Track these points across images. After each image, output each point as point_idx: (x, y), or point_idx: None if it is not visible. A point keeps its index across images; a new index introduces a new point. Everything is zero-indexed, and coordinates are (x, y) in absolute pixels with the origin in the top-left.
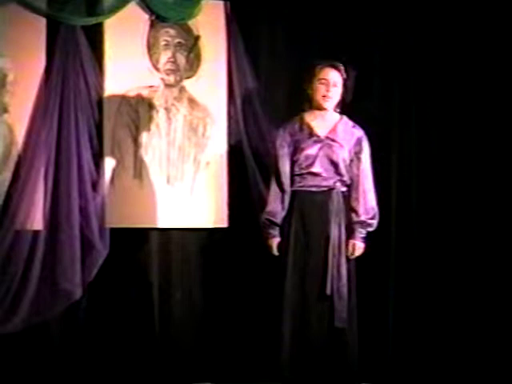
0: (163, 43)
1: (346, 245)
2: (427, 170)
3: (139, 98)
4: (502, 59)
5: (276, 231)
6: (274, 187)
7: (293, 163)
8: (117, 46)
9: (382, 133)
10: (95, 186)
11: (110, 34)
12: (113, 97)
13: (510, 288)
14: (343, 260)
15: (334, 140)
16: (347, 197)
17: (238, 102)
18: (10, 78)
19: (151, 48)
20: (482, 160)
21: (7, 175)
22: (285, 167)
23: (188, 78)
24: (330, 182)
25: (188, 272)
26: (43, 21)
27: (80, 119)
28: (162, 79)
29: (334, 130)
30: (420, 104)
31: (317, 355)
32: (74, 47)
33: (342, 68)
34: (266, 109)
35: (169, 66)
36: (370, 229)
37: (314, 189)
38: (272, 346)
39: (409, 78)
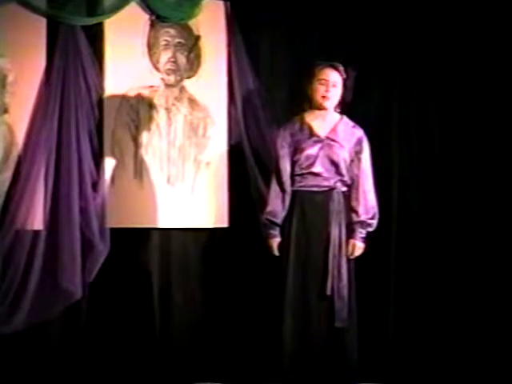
0: (163, 43)
1: (346, 245)
2: (427, 169)
3: (139, 98)
4: (503, 59)
5: (276, 231)
6: (274, 187)
7: (293, 163)
8: (117, 46)
9: (382, 133)
10: (95, 186)
11: (111, 33)
12: (113, 97)
13: (511, 287)
14: (344, 260)
15: (335, 140)
16: (347, 197)
17: (239, 102)
18: (10, 78)
19: (151, 48)
20: (482, 159)
21: (7, 175)
22: (285, 167)
23: (188, 77)
24: (331, 182)
25: (188, 272)
26: (43, 21)
27: (80, 119)
28: (163, 79)
29: (334, 130)
30: (420, 104)
31: (317, 355)
32: (75, 47)
33: (341, 68)
34: (266, 109)
35: (169, 66)
36: (370, 229)
37: (314, 189)
38: (272, 346)
39: (409, 78)
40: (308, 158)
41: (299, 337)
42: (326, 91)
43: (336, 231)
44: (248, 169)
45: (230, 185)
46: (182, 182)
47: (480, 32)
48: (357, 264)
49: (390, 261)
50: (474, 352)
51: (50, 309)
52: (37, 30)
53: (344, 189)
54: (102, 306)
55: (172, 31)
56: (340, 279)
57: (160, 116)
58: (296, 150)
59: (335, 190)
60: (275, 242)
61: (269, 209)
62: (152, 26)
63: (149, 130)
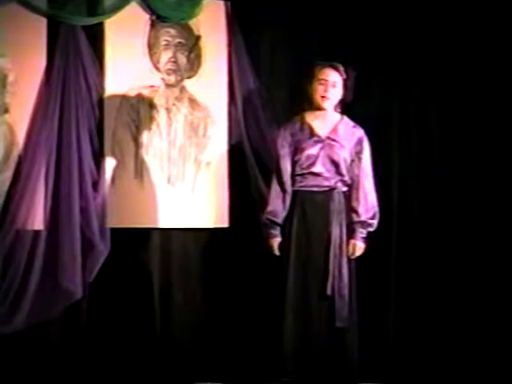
0: (164, 43)
1: (347, 245)
2: (427, 169)
3: (140, 98)
4: (503, 59)
5: (277, 231)
6: (275, 187)
7: (294, 163)
8: (117, 46)
9: (382, 133)
10: (96, 185)
11: (111, 33)
12: (113, 97)
13: (511, 287)
14: (344, 260)
15: (335, 140)
16: (348, 197)
17: (239, 101)
18: (11, 78)
19: (152, 48)
20: (482, 159)
21: (8, 175)
22: (286, 167)
23: (189, 77)
24: (331, 182)
25: (189, 272)
26: (44, 21)
27: (80, 119)
28: (163, 79)
29: (334, 130)
30: (420, 104)
31: (318, 355)
32: (75, 47)
33: (341, 68)
34: (266, 109)
35: (169, 66)
36: (371, 229)
37: (315, 189)
38: (273, 346)
39: (409, 78)
40: (308, 157)
41: (300, 336)
42: (325, 91)
43: (337, 231)
44: (248, 169)
45: (230, 185)
46: (182, 182)
47: (480, 32)
48: (357, 264)
49: (390, 260)
50: (474, 352)
51: (50, 309)
52: (37, 29)
53: (344, 189)
54: (103, 305)
55: (172, 31)
56: (341, 279)
57: (160, 116)
58: (296, 149)
59: (336, 190)
60: (276, 241)
61: (269, 208)
62: (152, 25)
63: (149, 129)
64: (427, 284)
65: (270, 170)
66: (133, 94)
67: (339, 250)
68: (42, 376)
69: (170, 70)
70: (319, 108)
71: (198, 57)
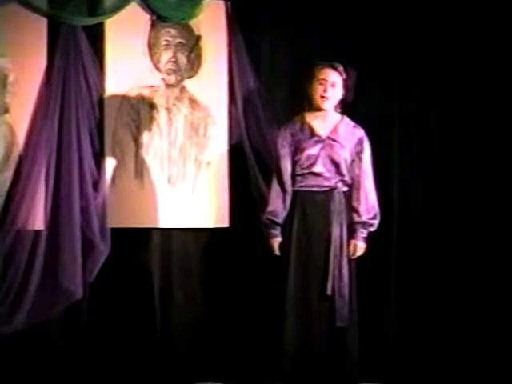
0: (164, 43)
1: (348, 245)
2: (428, 169)
3: (140, 98)
4: (503, 59)
5: (277, 231)
6: (275, 187)
7: (294, 163)
8: (118, 46)
9: (382, 132)
10: (96, 185)
11: (111, 33)
12: (114, 97)
13: (511, 287)
14: (345, 260)
15: (336, 140)
16: (348, 197)
17: (239, 101)
18: (11, 78)
19: (152, 48)
20: (482, 159)
21: (8, 175)
22: (286, 167)
23: (189, 77)
24: (332, 182)
25: (189, 272)
26: (44, 21)
27: (81, 119)
28: (163, 79)
29: (335, 130)
30: (420, 104)
31: (318, 355)
32: (75, 47)
33: (341, 68)
34: (266, 108)
35: (170, 66)
36: (372, 229)
37: (315, 189)
38: (273, 346)
39: (409, 78)
40: (309, 157)
41: (300, 336)
42: (325, 91)
43: (337, 231)
44: (249, 168)
45: (230, 185)
46: (182, 182)
47: (480, 32)
48: (357, 263)
49: (390, 260)
50: (474, 352)
51: (50, 309)
52: (37, 29)
53: (345, 189)
54: (103, 305)
55: (173, 31)
56: (341, 279)
57: (161, 116)
58: (297, 149)
59: (336, 190)
60: (276, 241)
61: (270, 208)
62: (153, 25)
63: (149, 129)
64: (427, 284)
65: (271, 169)
66: (133, 93)
67: (339, 250)
68: (42, 376)
69: (170, 70)
70: (319, 108)
71: (199, 57)
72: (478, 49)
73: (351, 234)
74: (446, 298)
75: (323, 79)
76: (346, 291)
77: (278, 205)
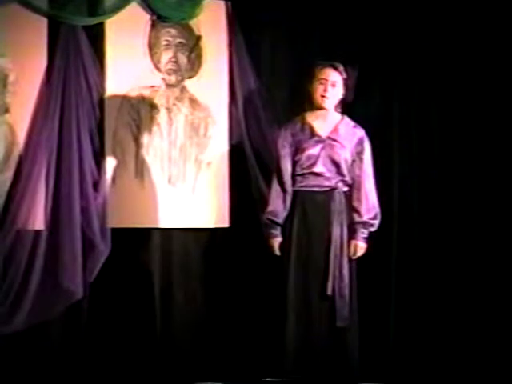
0: (164, 43)
1: (348, 245)
2: (428, 169)
3: (140, 98)
4: (503, 59)
5: (278, 231)
6: (275, 187)
7: (294, 163)
8: (118, 46)
9: (382, 132)
10: (96, 185)
11: (111, 33)
12: (114, 97)
13: (511, 287)
14: (345, 260)
15: (336, 140)
16: (349, 197)
17: (240, 101)
18: (12, 77)
19: (152, 48)
20: (482, 159)
21: (8, 175)
22: (286, 167)
23: (189, 77)
24: (332, 182)
25: (189, 272)
26: (44, 21)
27: (81, 119)
28: (164, 79)
29: (335, 130)
30: (421, 104)
31: (318, 354)
32: (75, 47)
33: (341, 68)
34: (267, 109)
35: (170, 66)
36: (372, 229)
37: (315, 189)
38: (274, 346)
39: (409, 78)
40: (309, 158)
41: (300, 336)
42: (325, 91)
43: (337, 231)
44: (249, 169)
45: (231, 185)
46: (183, 182)
47: (480, 32)
48: (358, 263)
49: (390, 260)
50: (474, 352)
51: (50, 309)
52: (38, 29)
53: (345, 189)
54: (103, 305)
55: (173, 31)
56: (341, 279)
57: (161, 116)
58: (297, 149)
59: (336, 190)
60: (276, 241)
61: (270, 208)
62: (153, 25)
63: (150, 129)
64: (428, 284)
65: (271, 170)
66: (133, 94)
67: (340, 250)
68: (42, 376)
69: (170, 70)
70: (319, 108)
71: (199, 57)
72: (478, 49)
73: (352, 234)
74: (446, 297)
75: (324, 79)
76: (346, 291)
77: (278, 205)
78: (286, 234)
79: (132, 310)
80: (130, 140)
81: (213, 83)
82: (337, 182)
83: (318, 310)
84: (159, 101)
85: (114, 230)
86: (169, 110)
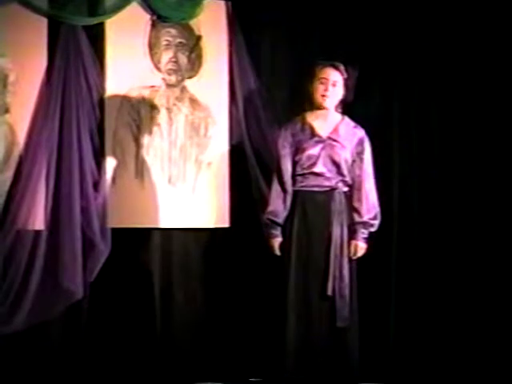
0: (164, 43)
1: (348, 245)
2: (428, 169)
3: (140, 98)
4: (503, 59)
5: (278, 231)
6: (275, 187)
7: (294, 163)
8: (118, 46)
9: (382, 132)
10: (97, 185)
11: (112, 33)
12: (114, 97)
13: (511, 287)
14: (345, 260)
15: (336, 140)
16: (349, 197)
17: (240, 101)
18: (12, 78)
19: (152, 48)
20: (482, 159)
21: (9, 175)
22: (287, 167)
23: (189, 77)
24: (332, 182)
25: (189, 272)
26: (44, 21)
27: (81, 119)
28: (164, 79)
29: (335, 130)
30: (421, 104)
31: (319, 355)
32: (76, 47)
33: (342, 68)
34: (267, 109)
35: (170, 66)
36: (372, 229)
37: (316, 189)
38: (274, 346)
39: (409, 78)
40: (309, 158)
41: (301, 336)
42: (326, 90)
43: (337, 231)
44: (249, 169)
45: (231, 185)
46: (183, 182)
47: (480, 32)
48: (358, 264)
49: (390, 260)
50: (474, 352)
51: (51, 309)
52: (38, 29)
53: (345, 189)
54: (103, 305)
55: (173, 31)
56: (341, 279)
57: (161, 116)
58: (297, 149)
59: (337, 190)
60: (276, 241)
61: (270, 208)
62: (153, 25)
63: (150, 129)
64: (428, 284)
65: (271, 170)
66: (133, 94)
67: (340, 250)
68: (42, 376)
69: (170, 70)
70: (320, 107)
71: (199, 57)
72: (478, 49)
73: (352, 234)
74: (446, 297)
75: (324, 78)
76: (346, 291)
77: (278, 205)
78: (286, 234)
79: (132, 310)
80: (130, 140)
81: (213, 83)
82: (337, 182)
83: (318, 310)
84: (159, 101)
85: (114, 230)
86: (169, 110)
